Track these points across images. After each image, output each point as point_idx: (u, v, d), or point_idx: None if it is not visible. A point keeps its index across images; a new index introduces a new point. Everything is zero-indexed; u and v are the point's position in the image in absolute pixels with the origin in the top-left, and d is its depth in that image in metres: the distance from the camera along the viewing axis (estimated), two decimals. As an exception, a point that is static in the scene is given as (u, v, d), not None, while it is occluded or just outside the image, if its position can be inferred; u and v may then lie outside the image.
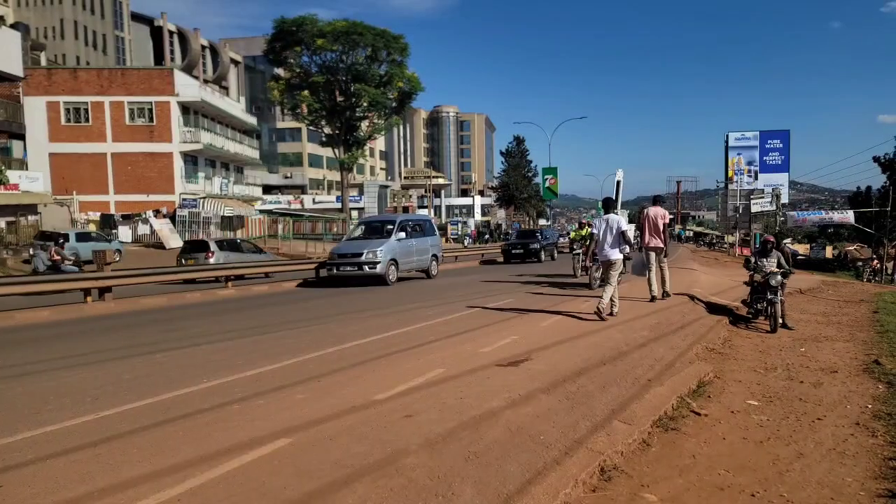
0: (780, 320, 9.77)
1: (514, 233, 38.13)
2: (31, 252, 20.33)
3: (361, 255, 17.05)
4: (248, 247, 23.98)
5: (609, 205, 10.66)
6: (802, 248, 55.81)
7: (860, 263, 35.58)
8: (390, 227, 18.34)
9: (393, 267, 17.40)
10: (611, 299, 9.63)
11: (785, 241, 25.33)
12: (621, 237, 9.70)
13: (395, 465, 3.71)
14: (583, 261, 16.00)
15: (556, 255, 30.04)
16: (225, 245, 22.66)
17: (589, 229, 17.05)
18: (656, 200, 12.64)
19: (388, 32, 39.94)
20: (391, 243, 17.55)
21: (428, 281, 18.90)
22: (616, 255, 9.71)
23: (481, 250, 35.01)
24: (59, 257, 17.36)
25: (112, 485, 3.49)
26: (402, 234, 18.07)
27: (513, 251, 28.40)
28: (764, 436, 4.74)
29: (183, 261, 20.88)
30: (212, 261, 20.50)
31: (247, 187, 52.95)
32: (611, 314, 9.64)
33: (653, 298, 11.49)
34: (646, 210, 12.16)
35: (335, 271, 17.51)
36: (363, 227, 19.87)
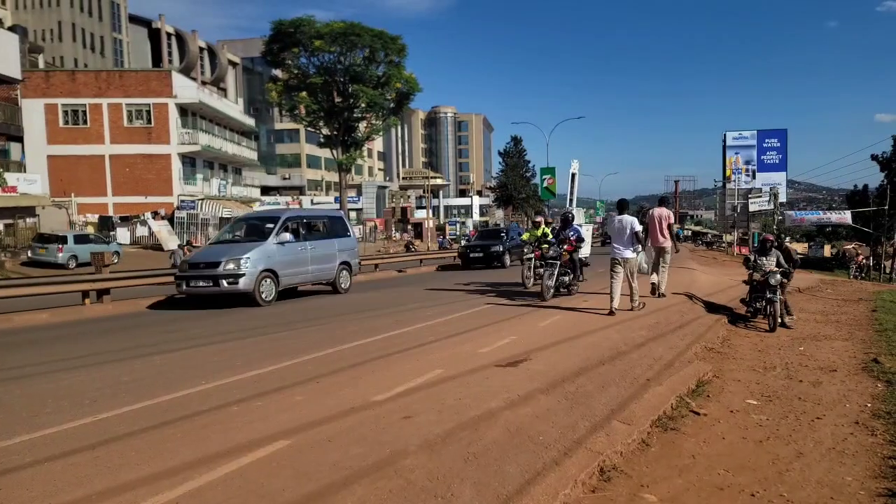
0: (780, 319, 9.78)
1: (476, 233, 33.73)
2: (171, 254, 24.11)
3: (218, 264, 12.67)
4: None
5: (623, 206, 10.84)
6: (801, 247, 55.86)
7: (856, 261, 35.56)
8: (271, 225, 13.94)
9: (269, 280, 13.11)
10: (620, 296, 10.03)
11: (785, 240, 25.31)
12: (634, 237, 10.16)
13: (393, 466, 3.70)
14: (537, 267, 13.43)
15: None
16: None
17: (545, 228, 15.05)
18: (662, 202, 13.04)
19: (385, 33, 39.97)
20: (266, 248, 13.23)
21: (331, 298, 14.56)
22: (629, 253, 10.16)
23: None
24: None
25: (110, 488, 3.48)
26: (288, 236, 13.74)
27: (471, 255, 24.62)
28: (763, 435, 4.74)
29: None
30: None
31: (245, 188, 52.93)
32: (611, 313, 9.78)
33: (653, 288, 11.90)
34: (651, 211, 12.46)
35: (184, 287, 13.08)
36: (242, 226, 15.33)
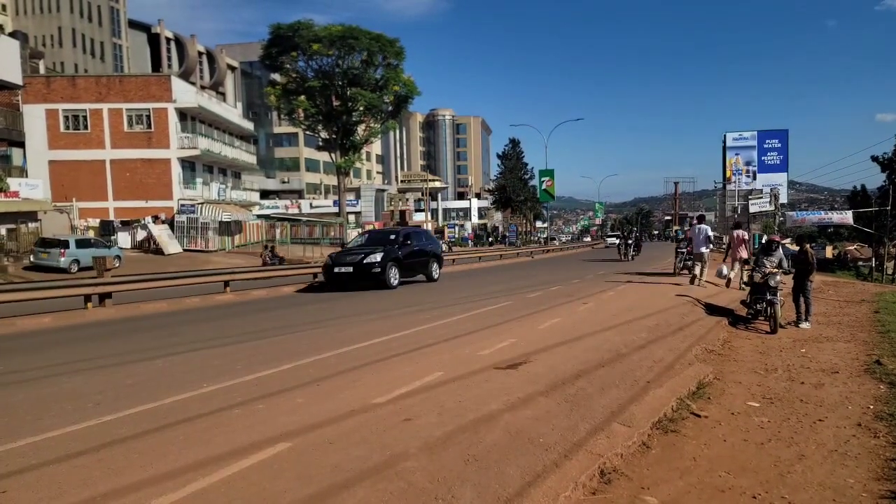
0: (797, 318, 9.90)
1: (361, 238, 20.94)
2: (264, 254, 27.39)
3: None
4: None
5: (701, 219, 17.00)
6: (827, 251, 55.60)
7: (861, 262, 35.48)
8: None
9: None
10: (700, 276, 15.13)
11: (783, 242, 25.27)
12: (707, 240, 15.64)
13: (394, 468, 3.72)
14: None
15: (436, 272, 18.82)
16: None
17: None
18: (738, 225, 17.21)
19: (383, 37, 39.99)
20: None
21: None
22: (703, 249, 15.48)
23: (478, 252, 35.43)
24: (281, 254, 27.91)
25: (114, 489, 3.49)
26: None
27: (335, 270, 16.50)
28: (765, 437, 4.75)
29: None
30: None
31: (244, 192, 52.87)
32: (699, 285, 14.44)
33: (728, 282, 15.27)
34: (733, 232, 16.38)
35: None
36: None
